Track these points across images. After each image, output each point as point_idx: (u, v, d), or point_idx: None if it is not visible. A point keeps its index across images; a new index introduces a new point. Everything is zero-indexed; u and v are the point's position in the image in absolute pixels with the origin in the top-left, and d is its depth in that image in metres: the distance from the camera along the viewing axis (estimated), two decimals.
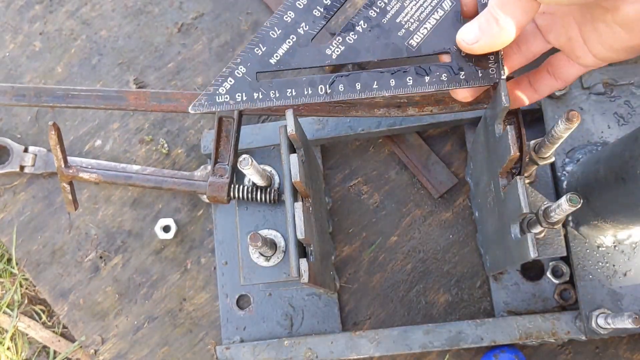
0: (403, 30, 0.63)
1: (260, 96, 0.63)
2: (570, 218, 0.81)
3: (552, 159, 0.70)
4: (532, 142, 0.72)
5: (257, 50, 0.63)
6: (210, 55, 1.00)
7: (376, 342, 0.83)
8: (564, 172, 0.83)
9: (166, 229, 0.93)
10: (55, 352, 1.03)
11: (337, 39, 0.63)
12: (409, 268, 0.90)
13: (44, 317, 1.04)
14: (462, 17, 0.63)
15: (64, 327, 1.03)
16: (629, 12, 0.52)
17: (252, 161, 0.73)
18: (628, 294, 0.80)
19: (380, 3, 0.63)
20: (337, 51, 0.63)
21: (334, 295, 0.88)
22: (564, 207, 0.58)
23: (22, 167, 0.97)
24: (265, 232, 0.84)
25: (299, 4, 0.63)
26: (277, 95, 0.63)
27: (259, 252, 0.82)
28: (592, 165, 0.75)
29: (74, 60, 1.02)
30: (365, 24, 0.63)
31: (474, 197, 0.89)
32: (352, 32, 0.63)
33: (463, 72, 0.62)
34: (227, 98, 0.64)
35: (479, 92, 0.68)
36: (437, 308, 0.89)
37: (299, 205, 0.65)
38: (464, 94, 0.67)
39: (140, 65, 1.01)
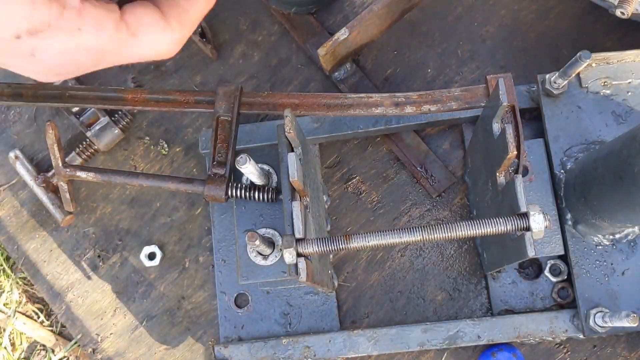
0: None
1: None
2: (568, 217, 0.81)
3: None
4: None
5: None
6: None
7: (374, 340, 0.83)
8: (562, 171, 0.83)
9: (151, 256, 0.93)
10: (53, 350, 1.03)
11: None
12: (407, 266, 0.90)
13: (42, 316, 1.04)
14: None
15: (62, 325, 1.03)
16: None
17: (249, 160, 0.73)
18: (626, 292, 0.80)
19: None
20: None
21: (332, 293, 0.88)
22: None
23: None
24: (263, 231, 0.84)
25: None
26: None
27: (257, 251, 0.82)
28: (590, 164, 0.75)
29: None
30: None
31: (472, 195, 0.89)
32: None
33: None
34: None
35: None
36: (435, 306, 0.89)
37: (296, 204, 0.65)
38: None
39: (138, 64, 1.01)
